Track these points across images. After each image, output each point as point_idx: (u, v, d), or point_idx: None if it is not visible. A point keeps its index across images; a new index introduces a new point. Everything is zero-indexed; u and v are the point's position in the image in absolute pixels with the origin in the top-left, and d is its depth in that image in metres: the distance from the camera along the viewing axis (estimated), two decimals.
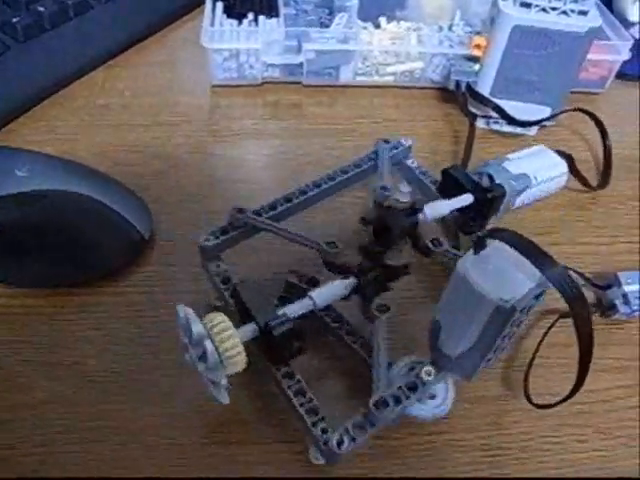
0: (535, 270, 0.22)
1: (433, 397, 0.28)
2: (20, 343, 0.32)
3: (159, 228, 0.37)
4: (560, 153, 0.35)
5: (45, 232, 0.32)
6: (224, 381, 0.25)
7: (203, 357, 0.24)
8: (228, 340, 0.24)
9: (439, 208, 0.32)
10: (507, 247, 0.23)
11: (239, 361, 0.25)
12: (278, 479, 0.28)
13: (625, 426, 0.31)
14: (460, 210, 0.33)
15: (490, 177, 0.33)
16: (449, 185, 0.34)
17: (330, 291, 0.28)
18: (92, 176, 0.36)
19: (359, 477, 0.28)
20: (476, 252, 0.24)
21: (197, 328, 0.24)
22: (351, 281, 0.29)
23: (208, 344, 0.24)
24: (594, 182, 0.43)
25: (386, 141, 0.38)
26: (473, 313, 0.24)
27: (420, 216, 0.31)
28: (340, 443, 0.25)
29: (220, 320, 0.25)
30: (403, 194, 0.30)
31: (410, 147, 0.38)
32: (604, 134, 0.44)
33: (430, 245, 0.31)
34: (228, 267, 0.31)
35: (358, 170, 0.36)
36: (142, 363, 0.31)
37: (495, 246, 0.23)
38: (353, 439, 0.25)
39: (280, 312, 0.26)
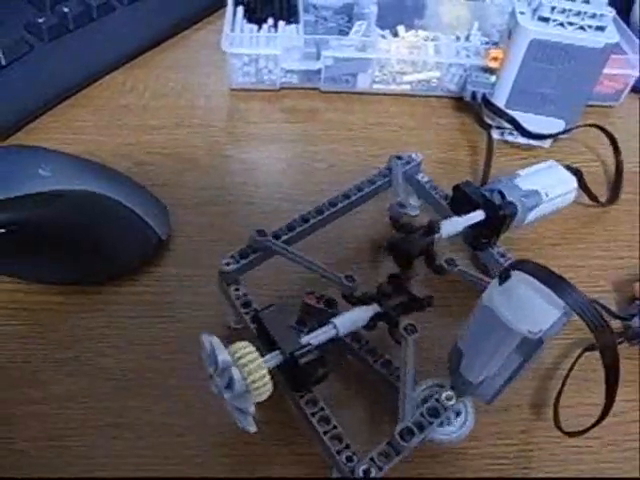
0: (559, 299, 0.22)
1: (452, 421, 0.28)
2: (37, 339, 0.32)
3: (176, 229, 0.38)
4: (569, 169, 0.36)
5: (64, 231, 0.33)
6: (252, 409, 0.24)
7: (230, 386, 0.24)
8: (255, 370, 0.24)
9: (453, 225, 0.32)
10: (530, 277, 0.23)
11: (265, 390, 0.24)
12: (279, 479, 0.28)
13: (631, 439, 0.31)
14: (471, 226, 0.33)
15: (501, 194, 0.33)
16: (460, 201, 0.34)
17: (352, 318, 0.28)
18: (112, 176, 0.37)
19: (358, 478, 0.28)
20: (501, 283, 0.24)
21: (223, 357, 0.24)
22: (373, 307, 0.29)
23: (235, 372, 0.24)
24: (603, 195, 0.43)
25: (399, 157, 0.38)
26: (498, 343, 0.24)
27: (436, 235, 0.31)
28: (367, 472, 0.25)
29: (247, 350, 0.24)
30: (413, 208, 0.30)
31: (421, 162, 0.38)
32: (617, 150, 0.44)
33: (445, 265, 0.31)
34: (247, 290, 0.31)
35: (373, 187, 0.36)
36: (157, 362, 0.32)
37: (519, 276, 0.23)
38: (380, 468, 0.25)
39: (304, 340, 0.26)
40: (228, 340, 0.25)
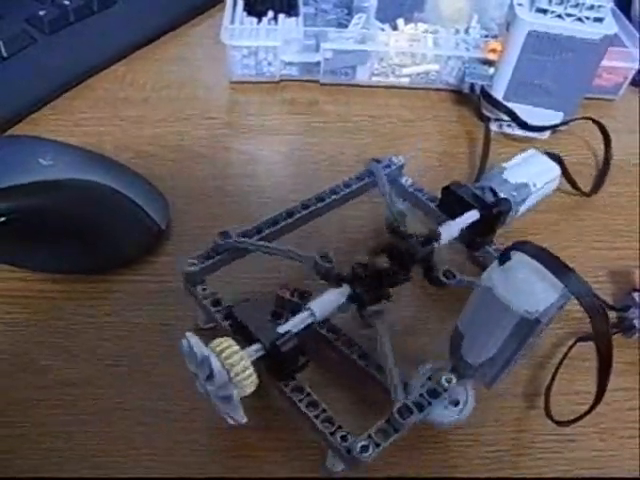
0: (558, 282, 0.22)
1: (457, 403, 0.28)
2: (37, 326, 0.33)
3: (175, 219, 0.38)
4: (550, 155, 0.36)
5: (65, 219, 0.33)
6: (237, 397, 0.24)
7: (210, 376, 0.24)
8: (237, 362, 0.24)
9: (449, 230, 0.32)
10: (530, 259, 0.23)
11: (250, 382, 0.25)
12: (279, 479, 0.29)
13: (626, 427, 0.31)
14: (466, 226, 0.33)
15: (492, 191, 0.33)
16: (450, 201, 0.34)
17: (327, 301, 0.28)
18: (112, 167, 0.37)
19: (358, 477, 0.28)
20: (501, 264, 0.24)
21: (201, 350, 0.24)
22: (345, 289, 0.29)
23: (213, 361, 0.24)
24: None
25: (377, 160, 0.37)
26: (497, 324, 0.24)
27: (435, 244, 0.31)
28: (364, 449, 0.25)
29: (227, 344, 0.24)
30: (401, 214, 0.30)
31: (402, 166, 0.37)
32: (607, 143, 0.44)
33: (443, 278, 0.30)
34: (216, 290, 0.31)
35: (348, 190, 0.36)
36: (157, 350, 0.32)
37: (518, 257, 0.24)
38: (377, 445, 0.25)
39: (282, 329, 0.26)
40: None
